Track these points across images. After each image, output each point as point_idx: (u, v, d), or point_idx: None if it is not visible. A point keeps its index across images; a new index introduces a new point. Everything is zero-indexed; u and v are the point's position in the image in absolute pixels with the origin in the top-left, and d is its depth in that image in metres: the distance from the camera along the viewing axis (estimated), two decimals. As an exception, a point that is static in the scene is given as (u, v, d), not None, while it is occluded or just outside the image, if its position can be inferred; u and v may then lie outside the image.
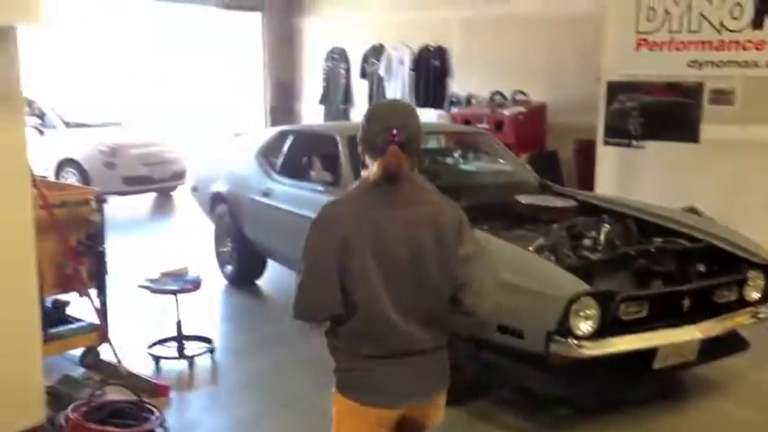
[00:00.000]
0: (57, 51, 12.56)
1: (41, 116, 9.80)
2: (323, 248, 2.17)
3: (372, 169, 2.17)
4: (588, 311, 3.43)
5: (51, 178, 8.49)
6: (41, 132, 9.45)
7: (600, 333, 3.46)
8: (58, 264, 4.16)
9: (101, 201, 4.32)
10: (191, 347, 4.73)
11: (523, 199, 4.52)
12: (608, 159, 6.72)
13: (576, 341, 3.39)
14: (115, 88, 13.76)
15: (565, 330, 3.39)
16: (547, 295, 3.42)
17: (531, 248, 3.86)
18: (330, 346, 2.27)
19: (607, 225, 4.20)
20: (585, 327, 3.44)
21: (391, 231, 2.15)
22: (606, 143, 6.72)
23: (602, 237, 4.10)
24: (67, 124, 10.01)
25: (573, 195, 4.96)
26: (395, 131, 2.14)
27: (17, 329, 3.36)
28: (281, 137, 5.94)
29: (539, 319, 3.45)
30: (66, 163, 9.67)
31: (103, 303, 4.41)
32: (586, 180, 7.22)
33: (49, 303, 4.29)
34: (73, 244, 4.18)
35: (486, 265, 2.28)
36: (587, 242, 4.06)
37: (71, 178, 9.46)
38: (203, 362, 4.65)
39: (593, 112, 6.94)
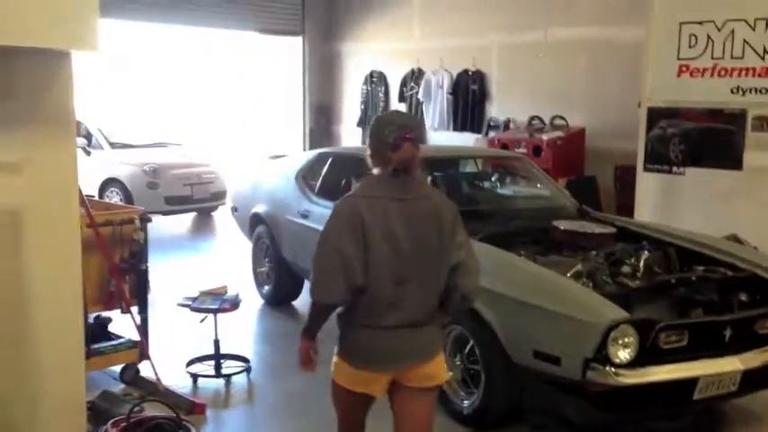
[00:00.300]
0: (100, 73, 12.90)
1: (88, 137, 10.07)
2: (342, 237, 2.52)
3: (383, 168, 2.59)
4: (627, 339, 3.40)
5: (96, 197, 8.70)
6: (88, 153, 9.70)
7: (638, 362, 3.42)
8: (101, 281, 4.26)
9: (144, 220, 4.42)
10: (228, 366, 4.79)
11: (561, 225, 4.50)
12: (648, 186, 6.64)
13: (613, 369, 3.36)
14: (158, 110, 14.07)
15: (603, 358, 3.36)
16: (584, 322, 3.39)
17: (568, 275, 3.84)
18: (337, 316, 2.67)
19: (647, 252, 4.16)
20: (624, 355, 3.40)
21: (399, 220, 2.54)
22: (646, 169, 6.65)
23: (641, 264, 4.06)
24: (112, 145, 10.27)
25: (612, 222, 4.92)
26: (407, 130, 2.60)
27: (62, 345, 3.44)
28: (320, 159, 6.01)
29: (576, 346, 3.42)
30: (111, 182, 9.90)
31: (144, 321, 4.49)
32: (625, 206, 7.15)
33: (91, 319, 4.39)
34: (117, 262, 4.28)
35: (472, 252, 2.72)
36: (626, 269, 4.02)
37: (115, 197, 9.68)
38: (240, 381, 4.70)
39: (633, 137, 6.89)
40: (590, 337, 3.35)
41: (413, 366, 2.63)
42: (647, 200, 6.66)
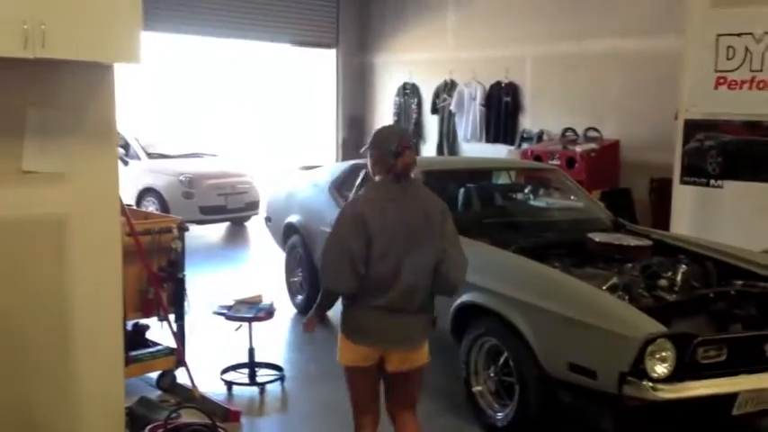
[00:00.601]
0: (136, 83, 13.14)
1: (126, 147, 10.24)
2: (349, 234, 2.94)
3: (384, 175, 3.05)
4: (664, 353, 3.36)
5: (134, 206, 8.84)
6: (126, 163, 9.83)
7: (676, 376, 3.38)
8: (140, 289, 4.34)
9: (182, 229, 4.49)
10: (262, 374, 4.83)
11: (597, 237, 4.47)
12: (684, 198, 6.56)
13: (650, 384, 3.32)
14: (193, 120, 14.26)
15: (639, 372, 3.33)
16: (621, 336, 3.37)
17: (604, 287, 3.81)
18: (342, 298, 3.10)
19: (684, 266, 4.11)
20: (661, 369, 3.37)
21: (395, 218, 2.97)
22: (683, 182, 6.57)
23: (678, 278, 4.01)
24: (149, 155, 10.44)
25: (648, 234, 4.88)
26: (406, 140, 3.12)
27: (102, 351, 3.51)
28: (354, 170, 6.05)
29: (612, 359, 3.39)
30: (147, 192, 10.07)
31: (181, 328, 4.56)
32: (661, 219, 7.07)
33: (129, 327, 4.46)
34: (155, 270, 4.35)
35: (459, 247, 3.09)
36: (663, 283, 3.97)
37: (151, 207, 9.84)
38: (274, 389, 4.74)
39: (668, 149, 6.82)
40: (627, 351, 3.32)
41: (410, 349, 3.08)
42: (683, 213, 6.58)
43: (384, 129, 3.33)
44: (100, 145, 3.32)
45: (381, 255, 2.93)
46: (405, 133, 3.38)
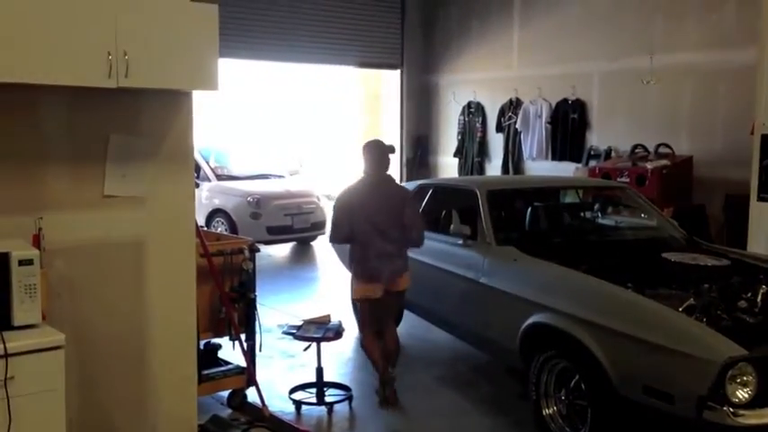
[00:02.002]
0: (206, 107, 13.52)
1: (197, 170, 10.55)
2: (342, 212, 4.69)
3: (370, 172, 4.76)
4: (745, 378, 3.24)
5: (204, 227, 9.07)
6: (197, 185, 10.16)
7: (758, 401, 3.25)
8: (213, 309, 4.43)
9: (253, 250, 4.58)
10: (330, 394, 4.86)
11: (672, 256, 4.34)
12: (762, 216, 6.32)
13: (731, 409, 3.21)
14: (261, 141, 14.58)
15: (719, 397, 3.21)
16: (699, 359, 3.26)
17: (680, 309, 3.70)
18: (349, 257, 4.87)
19: (765, 286, 3.95)
20: (742, 394, 3.25)
21: (372, 202, 4.65)
22: (760, 198, 6.33)
23: (759, 298, 3.86)
24: (218, 177, 10.71)
25: (725, 253, 4.72)
26: (388, 151, 4.81)
27: (177, 369, 3.61)
28: (421, 190, 6.06)
29: (690, 383, 3.29)
30: (216, 213, 10.32)
31: (252, 348, 4.63)
32: (737, 237, 6.83)
33: (201, 345, 4.56)
34: (227, 290, 4.44)
35: (418, 219, 4.84)
36: (743, 304, 3.82)
37: (220, 227, 10.08)
38: (342, 409, 4.75)
39: (745, 165, 6.59)
40: (705, 375, 3.21)
41: (396, 280, 4.72)
42: (761, 231, 6.34)
43: (375, 142, 4.90)
44: (178, 169, 3.44)
45: (366, 225, 4.62)
46: (385, 143, 4.86)
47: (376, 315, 4.84)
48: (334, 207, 4.73)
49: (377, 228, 4.61)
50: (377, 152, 4.76)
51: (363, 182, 4.75)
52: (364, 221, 4.61)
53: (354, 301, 5.00)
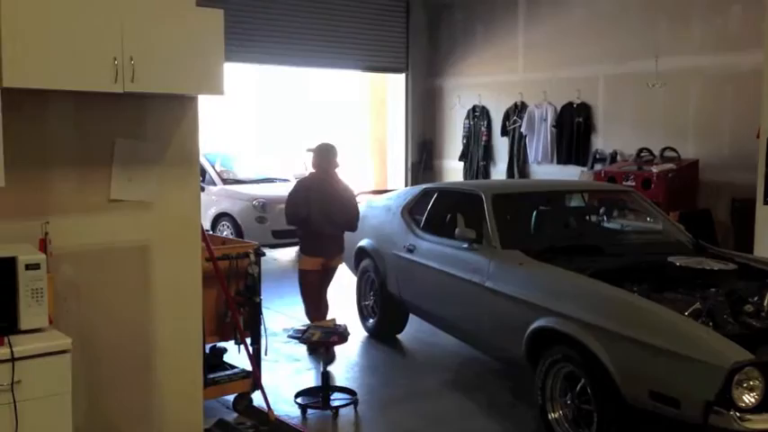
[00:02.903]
0: (211, 110, 13.56)
1: (202, 173, 10.57)
2: (298, 198, 5.70)
3: (320, 169, 5.80)
4: (752, 382, 3.23)
5: (210, 231, 9.09)
6: (203, 189, 10.18)
7: (765, 406, 3.24)
8: (218, 313, 4.44)
9: (259, 254, 4.59)
10: (336, 398, 4.86)
11: (678, 261, 4.33)
12: (769, 220, 6.31)
13: (738, 414, 3.19)
14: (267, 145, 14.61)
15: (726, 402, 3.20)
16: (706, 364, 3.25)
17: (686, 313, 3.69)
18: (300, 234, 5.90)
19: (772, 290, 3.94)
20: (749, 399, 3.23)
21: (326, 195, 5.65)
22: (767, 203, 6.32)
23: (766, 303, 3.84)
24: (224, 181, 10.73)
25: (731, 258, 4.71)
26: (335, 152, 5.83)
27: (183, 373, 3.62)
28: (426, 194, 6.07)
29: (696, 388, 3.28)
30: (222, 216, 10.34)
31: (257, 352, 4.63)
32: (744, 241, 6.81)
33: (207, 349, 4.56)
34: (232, 294, 4.45)
35: (355, 208, 5.86)
36: (750, 308, 3.80)
37: (226, 231, 10.09)
38: (347, 413, 4.75)
39: (751, 169, 6.58)
40: (712, 380, 3.20)
41: (333, 257, 5.91)
42: (767, 235, 6.33)
43: (325, 145, 5.87)
44: (183, 174, 3.45)
45: (317, 209, 5.64)
46: (335, 148, 5.88)
47: (316, 284, 5.90)
48: (292, 195, 5.77)
49: (327, 215, 5.66)
50: (325, 154, 5.77)
51: (315, 177, 5.80)
52: (318, 210, 5.63)
53: (301, 271, 5.91)
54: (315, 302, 5.93)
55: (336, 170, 5.87)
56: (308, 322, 5.57)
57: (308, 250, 5.85)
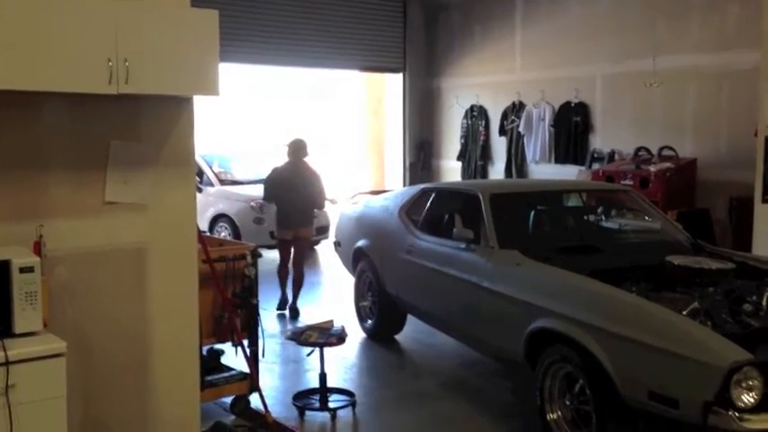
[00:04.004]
0: (208, 110, 13.54)
1: (200, 174, 10.56)
2: (271, 180, 7.38)
3: (292, 158, 7.36)
4: (751, 382, 3.22)
5: (207, 232, 9.07)
6: (200, 190, 10.17)
7: (764, 405, 3.22)
8: (215, 314, 4.42)
9: (256, 256, 4.57)
10: (333, 400, 4.84)
11: (676, 260, 4.32)
12: (767, 218, 6.30)
13: (737, 414, 3.18)
14: (264, 145, 14.59)
15: (725, 402, 3.19)
16: (704, 364, 3.23)
17: (684, 312, 3.68)
18: (276, 211, 7.38)
19: (770, 289, 3.93)
20: (748, 399, 3.22)
21: (296, 177, 7.25)
22: (765, 201, 6.31)
23: (764, 302, 3.84)
24: (222, 182, 10.72)
25: (729, 257, 4.70)
26: (306, 144, 7.39)
27: (180, 375, 3.59)
28: (424, 194, 6.05)
29: (695, 388, 3.26)
30: (220, 218, 10.33)
31: (254, 353, 4.61)
32: (742, 240, 6.81)
33: (204, 351, 4.55)
34: (229, 296, 4.43)
35: (321, 190, 7.46)
36: (748, 307, 3.79)
37: (223, 232, 10.07)
38: (345, 414, 4.73)
39: (749, 167, 6.58)
40: (711, 380, 3.19)
41: (301, 229, 7.23)
42: (765, 233, 6.32)
43: (296, 139, 7.32)
44: (179, 175, 3.43)
45: (288, 192, 7.12)
46: (303, 141, 7.34)
47: (288, 250, 7.38)
48: (267, 178, 7.40)
49: (297, 194, 7.14)
50: (296, 147, 7.28)
51: (288, 164, 7.31)
52: (288, 190, 7.14)
53: (277, 240, 7.44)
54: (285, 264, 7.46)
55: (306, 159, 7.34)
56: (304, 324, 5.55)
57: (281, 223, 7.28)
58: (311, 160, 7.49)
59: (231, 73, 11.74)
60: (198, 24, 3.09)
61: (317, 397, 4.83)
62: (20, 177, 3.07)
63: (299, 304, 7.37)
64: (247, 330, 4.58)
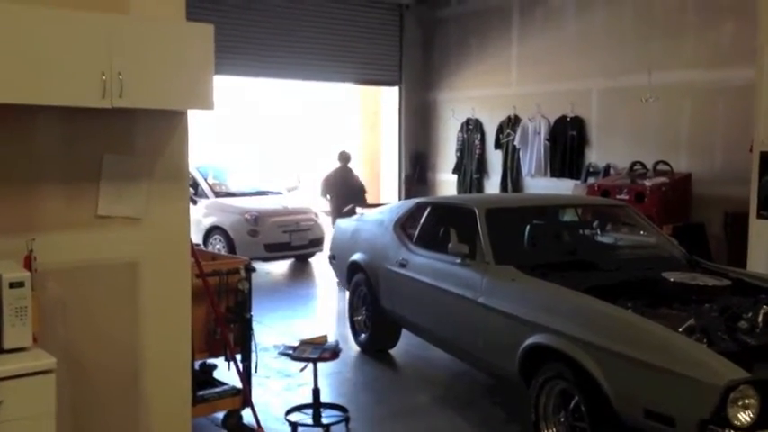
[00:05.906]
0: (203, 123, 13.54)
1: (195, 187, 10.52)
2: (327, 182, 10.27)
3: (341, 163, 10.23)
4: (747, 400, 3.20)
5: (201, 245, 9.03)
6: (194, 202, 10.13)
7: (760, 424, 3.20)
8: (207, 329, 4.39)
9: (249, 270, 4.54)
10: (327, 415, 4.80)
11: (671, 276, 4.31)
12: (762, 234, 6.29)
13: (733, 432, 3.16)
14: (259, 158, 14.58)
15: (721, 420, 3.16)
16: (700, 382, 3.21)
17: (680, 329, 3.66)
18: (330, 204, 9.92)
19: (766, 306, 3.91)
20: (744, 417, 3.20)
21: (339, 177, 10.26)
22: (760, 216, 6.31)
23: (760, 319, 3.82)
24: (217, 194, 10.69)
25: (725, 273, 4.69)
26: (350, 154, 10.47)
27: (171, 390, 3.56)
28: (419, 208, 6.03)
29: (691, 406, 3.24)
30: (214, 230, 10.27)
31: (247, 368, 4.57)
32: (737, 256, 6.80)
33: (197, 366, 4.51)
34: (222, 311, 4.40)
35: (363, 186, 10.38)
36: (744, 325, 3.77)
37: (218, 245, 10.03)
38: (339, 430, 4.69)
39: (744, 183, 6.58)
40: (707, 398, 3.17)
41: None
42: (761, 249, 6.31)
43: (343, 151, 9.63)
44: (172, 189, 3.41)
45: (339, 187, 10.08)
46: (348, 152, 9.67)
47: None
48: (324, 178, 10.05)
49: (342, 190, 9.47)
50: (342, 156, 9.75)
51: (338, 168, 9.34)
52: (339, 186, 9.60)
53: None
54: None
55: (350, 164, 10.15)
56: (300, 338, 5.50)
57: (337, 209, 9.21)
58: (353, 166, 10.35)
59: (226, 86, 11.74)
60: (193, 38, 3.08)
61: (311, 412, 4.78)
62: (12, 191, 3.05)
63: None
64: (240, 345, 4.54)
